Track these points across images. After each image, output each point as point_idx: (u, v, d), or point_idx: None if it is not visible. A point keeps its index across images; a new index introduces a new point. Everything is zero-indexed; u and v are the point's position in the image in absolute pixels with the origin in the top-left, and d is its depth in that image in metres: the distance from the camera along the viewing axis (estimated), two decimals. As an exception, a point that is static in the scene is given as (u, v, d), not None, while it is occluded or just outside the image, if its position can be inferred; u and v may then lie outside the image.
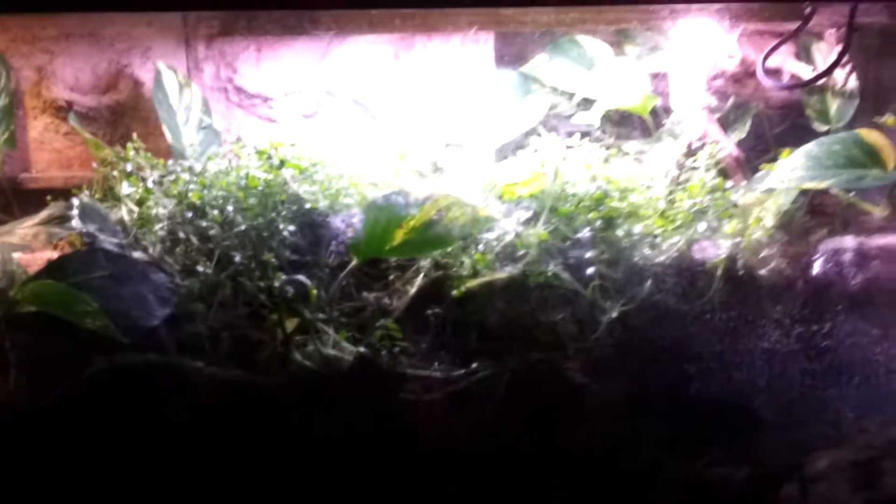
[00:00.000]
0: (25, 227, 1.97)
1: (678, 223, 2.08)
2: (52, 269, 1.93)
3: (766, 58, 2.34)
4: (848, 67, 2.36)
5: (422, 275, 2.02)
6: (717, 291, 2.01)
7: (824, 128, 2.38)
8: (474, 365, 1.95)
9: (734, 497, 1.93)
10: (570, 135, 2.34)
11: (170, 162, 2.17)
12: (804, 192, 2.21)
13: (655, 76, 2.44)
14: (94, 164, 2.23)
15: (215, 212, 2.01)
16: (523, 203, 2.10)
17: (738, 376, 2.00)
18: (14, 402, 1.88)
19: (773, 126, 2.50)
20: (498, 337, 1.99)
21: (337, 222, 2.06)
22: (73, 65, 2.45)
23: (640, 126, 2.47)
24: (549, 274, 1.97)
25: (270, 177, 2.07)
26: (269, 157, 2.11)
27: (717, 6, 2.16)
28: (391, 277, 2.04)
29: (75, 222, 1.96)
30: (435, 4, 2.21)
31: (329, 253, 2.03)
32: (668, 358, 1.99)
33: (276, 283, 1.94)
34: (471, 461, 1.94)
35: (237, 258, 1.97)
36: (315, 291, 1.96)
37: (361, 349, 1.93)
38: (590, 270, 1.98)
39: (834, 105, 2.39)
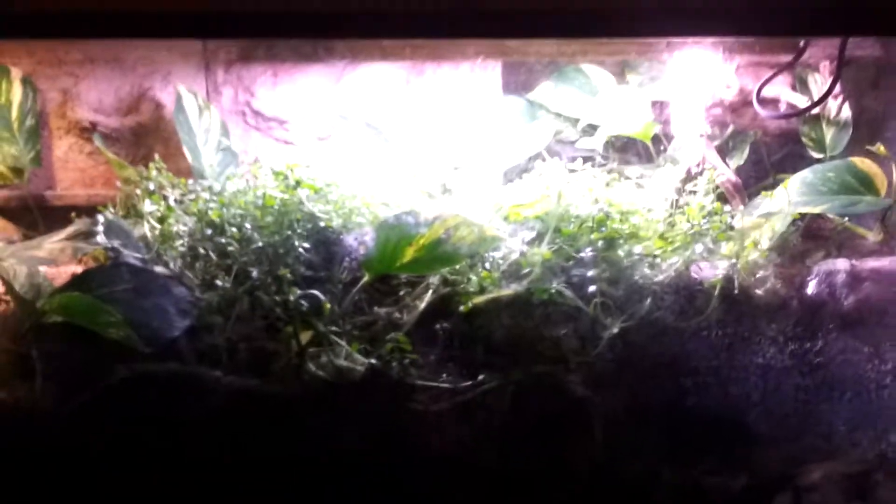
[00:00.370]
0: (53, 242, 2.03)
1: (677, 245, 2.15)
2: (78, 281, 2.00)
3: (760, 88, 2.43)
4: (841, 98, 2.44)
5: (431, 291, 2.08)
6: (714, 310, 2.07)
7: (820, 155, 2.45)
8: (481, 377, 2.01)
9: (730, 506, 1.99)
10: (573, 159, 2.41)
11: (190, 181, 2.24)
12: (800, 217, 2.27)
13: (656, 104, 2.50)
14: (118, 183, 2.30)
15: (233, 229, 2.08)
16: (528, 224, 2.16)
17: (734, 390, 2.06)
18: (40, 408, 1.95)
19: (770, 153, 2.57)
20: (503, 351, 2.04)
21: (350, 240, 2.12)
22: (97, 87, 2.53)
23: (642, 152, 2.53)
24: (553, 291, 2.03)
25: (286, 196, 2.14)
26: (286, 178, 2.18)
27: (712, 39, 2.24)
28: (401, 293, 2.10)
29: (100, 238, 2.01)
30: (442, 36, 2.26)
31: (342, 269, 2.09)
32: (666, 372, 2.05)
33: (292, 298, 2.00)
34: (477, 470, 2.00)
35: (254, 273, 2.04)
36: (328, 305, 2.02)
37: (373, 361, 1.99)
38: (592, 288, 2.04)
39: (829, 134, 2.46)
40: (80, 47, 2.51)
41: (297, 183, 2.16)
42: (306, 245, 2.09)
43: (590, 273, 2.06)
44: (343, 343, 2.02)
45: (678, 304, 2.08)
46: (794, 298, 2.12)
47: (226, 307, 2.03)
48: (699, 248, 2.14)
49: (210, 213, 2.12)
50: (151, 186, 2.20)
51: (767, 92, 2.48)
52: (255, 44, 2.46)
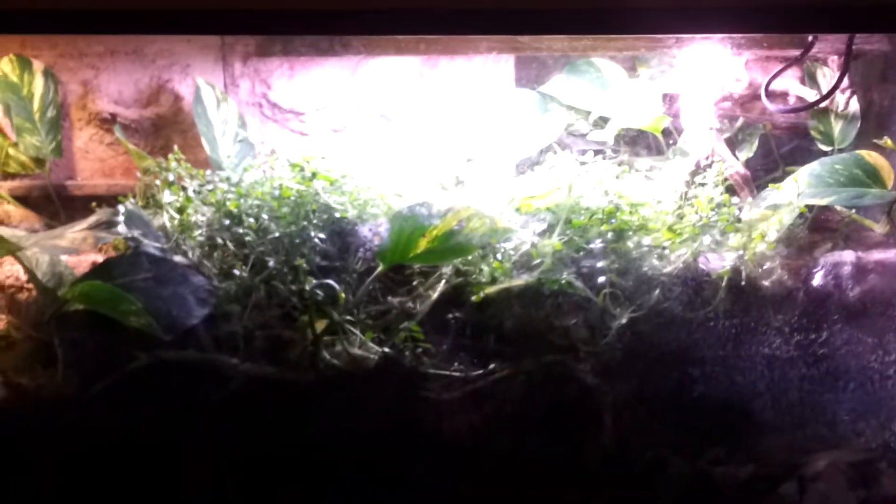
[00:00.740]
0: (75, 232, 2.06)
1: (685, 236, 2.18)
2: (99, 270, 2.05)
3: (769, 82, 2.45)
4: (849, 92, 2.46)
5: (443, 281, 2.12)
6: (722, 300, 2.11)
7: (828, 148, 2.47)
8: (492, 366, 2.06)
9: (736, 493, 2.03)
10: (584, 152, 2.44)
11: (208, 172, 2.28)
12: (808, 209, 2.30)
13: (667, 97, 2.52)
14: (138, 174, 2.34)
15: (251, 219, 2.12)
16: (539, 215, 2.19)
17: (741, 380, 2.10)
18: (62, 393, 2.00)
19: (779, 146, 2.59)
20: (514, 340, 2.09)
21: (364, 231, 2.16)
22: (116, 79, 2.57)
23: (652, 144, 2.56)
24: (563, 282, 2.06)
25: (303, 188, 2.17)
26: (302, 169, 2.22)
27: (721, 35, 2.26)
28: (415, 283, 2.14)
29: (121, 228, 2.04)
30: (454, 32, 2.27)
31: (357, 259, 2.13)
32: (674, 362, 2.09)
33: (307, 287, 2.04)
34: (488, 456, 2.05)
35: (271, 263, 2.08)
36: (343, 295, 2.06)
37: (386, 349, 2.04)
38: (601, 279, 2.08)
39: (837, 127, 2.48)
40: (101, 40, 2.55)
41: (313, 174, 2.20)
42: (322, 235, 2.12)
43: (599, 264, 2.10)
44: (357, 332, 2.07)
45: (686, 295, 2.12)
46: (800, 290, 2.15)
47: (243, 296, 2.07)
48: (707, 239, 2.17)
49: (228, 203, 2.15)
50: (171, 177, 2.24)
51: (776, 86, 2.51)
52: (272, 38, 2.49)
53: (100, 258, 2.19)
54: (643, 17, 1.85)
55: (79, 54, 2.56)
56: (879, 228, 2.36)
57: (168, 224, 2.18)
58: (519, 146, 2.48)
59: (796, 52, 2.45)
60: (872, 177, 2.26)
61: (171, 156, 2.28)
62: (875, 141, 2.36)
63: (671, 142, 2.51)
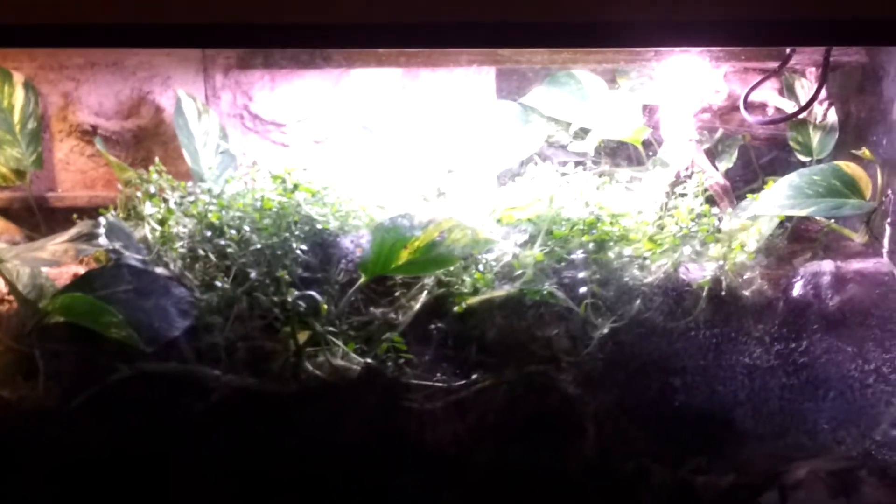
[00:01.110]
0: (56, 244, 2.06)
1: (666, 247, 2.19)
2: (80, 282, 2.05)
3: (748, 94, 2.47)
4: (827, 103, 2.49)
5: (425, 292, 2.12)
6: (702, 310, 2.12)
7: (806, 159, 2.49)
8: (474, 376, 2.07)
9: (717, 502, 2.04)
10: (565, 163, 2.47)
11: (189, 184, 2.28)
12: (787, 219, 2.32)
13: (647, 108, 2.54)
14: (119, 186, 2.34)
15: (232, 231, 2.13)
16: (521, 226, 2.21)
17: (722, 389, 2.11)
18: (44, 405, 1.99)
19: (759, 157, 2.61)
20: (496, 350, 2.09)
21: (346, 242, 2.17)
22: (97, 91, 2.57)
23: (632, 155, 2.58)
24: (545, 292, 2.07)
25: (284, 199, 2.18)
26: (284, 181, 2.23)
27: (700, 48, 2.28)
28: (397, 294, 2.15)
29: (102, 240, 2.05)
30: (436, 45, 2.27)
31: (339, 271, 2.14)
32: (655, 371, 2.10)
33: (289, 298, 2.04)
34: (470, 467, 2.05)
35: (253, 274, 2.08)
36: (325, 306, 2.07)
37: (369, 360, 2.04)
38: (582, 289, 2.09)
39: (815, 138, 2.50)
40: (82, 52, 2.54)
41: (295, 186, 2.21)
42: (304, 247, 2.13)
43: (581, 274, 2.11)
44: (340, 343, 2.07)
45: (667, 305, 2.13)
46: (780, 299, 2.17)
47: (225, 307, 2.08)
48: (688, 249, 2.19)
49: (209, 215, 2.16)
50: (152, 189, 2.24)
51: (755, 97, 2.53)
52: (253, 51, 2.50)
53: (81, 270, 2.19)
54: (624, 31, 1.86)
55: (59, 66, 2.55)
56: (858, 238, 2.38)
57: (149, 236, 2.18)
58: (500, 157, 2.50)
59: (775, 64, 2.48)
60: (851, 187, 2.28)
61: (152, 167, 2.28)
62: (853, 152, 2.38)
63: (651, 153, 2.53)
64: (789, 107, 2.54)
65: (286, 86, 2.59)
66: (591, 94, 2.54)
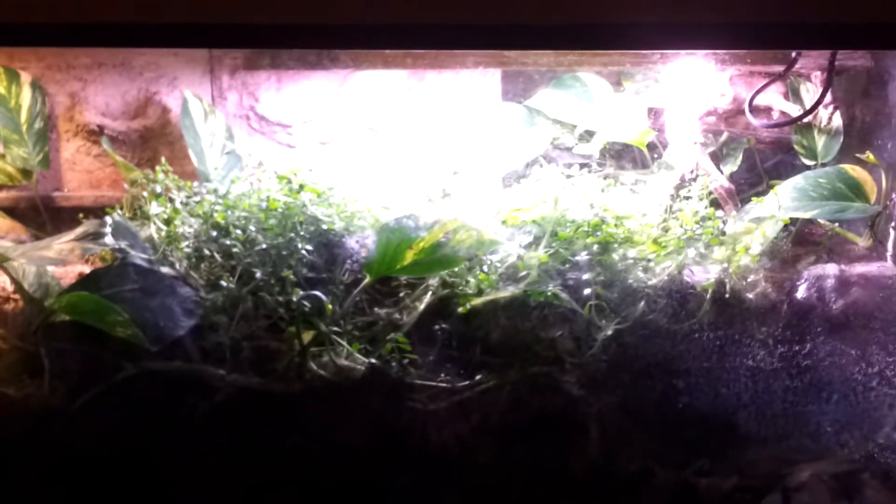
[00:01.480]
0: (62, 243, 2.06)
1: (670, 249, 2.19)
2: (86, 281, 2.05)
3: (753, 97, 2.48)
4: (832, 107, 2.49)
5: (430, 292, 2.13)
6: (706, 312, 2.13)
7: (811, 163, 2.49)
8: (478, 377, 2.07)
9: (720, 504, 2.04)
10: (570, 165, 2.47)
11: (195, 184, 2.29)
12: (792, 222, 2.32)
13: (652, 111, 2.54)
14: (125, 185, 2.35)
15: (238, 231, 2.13)
16: (526, 228, 2.21)
17: (725, 392, 2.11)
18: (49, 404, 2.00)
19: (763, 160, 2.62)
20: (500, 351, 2.10)
21: (351, 242, 2.17)
22: (104, 92, 2.58)
23: (637, 158, 2.58)
24: (549, 294, 2.07)
25: (290, 200, 2.19)
26: (289, 182, 2.23)
27: (705, 51, 2.29)
28: (401, 294, 2.15)
29: (108, 239, 2.04)
30: (442, 47, 2.28)
31: (344, 271, 2.14)
32: (659, 373, 2.10)
33: (294, 298, 2.05)
34: (474, 466, 2.05)
35: (258, 274, 2.08)
36: (330, 306, 2.07)
37: (373, 360, 2.05)
38: (587, 291, 2.09)
39: (820, 142, 2.51)
40: (89, 52, 2.55)
41: (301, 187, 2.21)
42: (309, 247, 2.14)
43: (585, 276, 2.11)
44: (344, 343, 2.07)
45: (671, 307, 2.13)
46: (784, 302, 2.17)
47: (230, 307, 2.08)
48: (692, 252, 2.19)
49: (215, 215, 2.16)
50: (158, 189, 2.25)
51: (760, 101, 2.53)
52: (260, 51, 2.50)
53: (86, 269, 2.19)
54: (629, 33, 1.87)
55: (66, 66, 2.56)
56: (862, 242, 2.38)
57: (155, 235, 2.19)
58: (505, 159, 2.50)
59: (780, 68, 2.48)
60: (855, 191, 2.29)
61: (158, 167, 2.29)
62: (858, 155, 2.39)
63: (656, 156, 2.53)
64: (794, 110, 2.54)
65: (292, 87, 2.60)
66: (596, 96, 2.54)
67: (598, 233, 2.17)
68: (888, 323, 2.14)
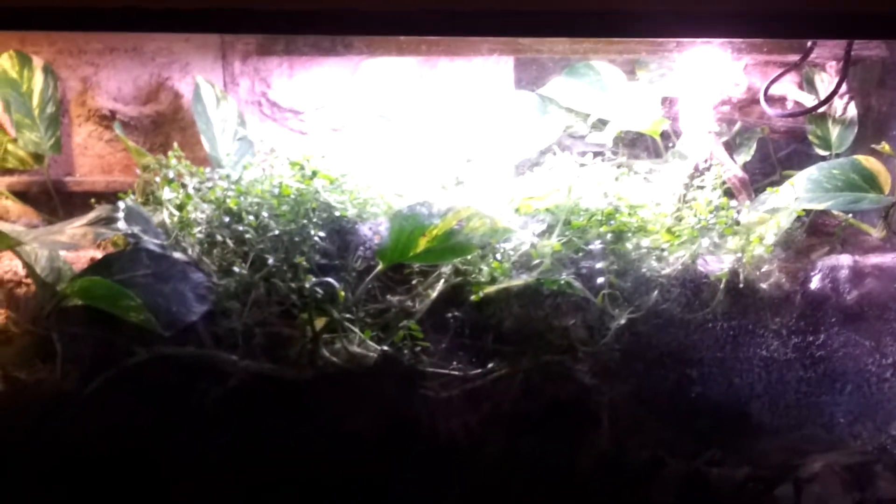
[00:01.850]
0: (75, 227, 2.06)
1: (684, 238, 2.19)
2: (98, 266, 2.05)
3: (768, 87, 2.47)
4: (847, 97, 2.48)
5: (443, 280, 2.12)
6: (720, 302, 2.12)
7: (826, 153, 2.49)
8: (490, 365, 2.07)
9: (732, 495, 2.04)
10: (583, 154, 2.46)
11: (207, 170, 2.29)
12: (805, 213, 2.31)
13: (666, 100, 2.53)
14: (137, 171, 2.35)
15: (251, 217, 2.13)
16: (539, 216, 2.21)
17: (738, 382, 2.11)
18: (61, 388, 2.00)
19: (777, 150, 2.60)
20: (513, 340, 2.10)
21: (364, 229, 2.17)
22: (116, 77, 2.57)
23: (651, 147, 2.57)
24: (562, 282, 2.07)
25: (303, 186, 2.18)
26: (302, 168, 2.23)
27: (720, 39, 2.27)
28: (414, 282, 2.15)
29: (121, 224, 2.04)
30: (456, 33, 2.29)
31: (356, 258, 2.14)
32: (672, 363, 2.10)
33: (307, 285, 2.05)
34: (485, 454, 2.05)
35: (270, 260, 2.08)
36: (343, 293, 2.07)
37: (385, 348, 2.05)
38: (600, 280, 2.09)
39: (834, 132, 2.50)
40: (101, 37, 2.55)
41: (314, 173, 2.21)
42: (321, 234, 2.13)
43: (598, 265, 2.11)
44: (356, 330, 2.07)
45: (684, 297, 2.13)
46: (797, 292, 2.16)
47: (242, 293, 2.08)
48: (706, 242, 2.18)
49: (228, 201, 2.16)
50: (171, 174, 2.24)
51: (775, 90, 2.52)
52: (272, 37, 2.50)
53: (98, 254, 2.19)
54: (644, 21, 1.86)
55: (78, 51, 2.56)
56: (876, 233, 2.37)
57: (168, 221, 2.18)
58: (518, 147, 2.49)
59: (795, 58, 2.47)
60: (869, 182, 2.28)
61: (171, 153, 2.28)
62: (872, 146, 2.38)
63: (670, 145, 2.52)
64: (809, 100, 2.53)
65: (304, 73, 2.59)
66: (609, 85, 2.53)
67: (612, 222, 2.17)
68: (902, 314, 2.14)
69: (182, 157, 2.29)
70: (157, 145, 2.56)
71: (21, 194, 2.49)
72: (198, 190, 2.23)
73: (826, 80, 2.53)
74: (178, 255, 2.11)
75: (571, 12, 1.80)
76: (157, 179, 2.25)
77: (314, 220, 2.15)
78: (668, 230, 2.21)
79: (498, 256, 2.13)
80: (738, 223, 2.24)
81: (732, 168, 2.42)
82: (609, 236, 2.15)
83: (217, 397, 2.00)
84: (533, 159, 2.49)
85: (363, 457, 2.03)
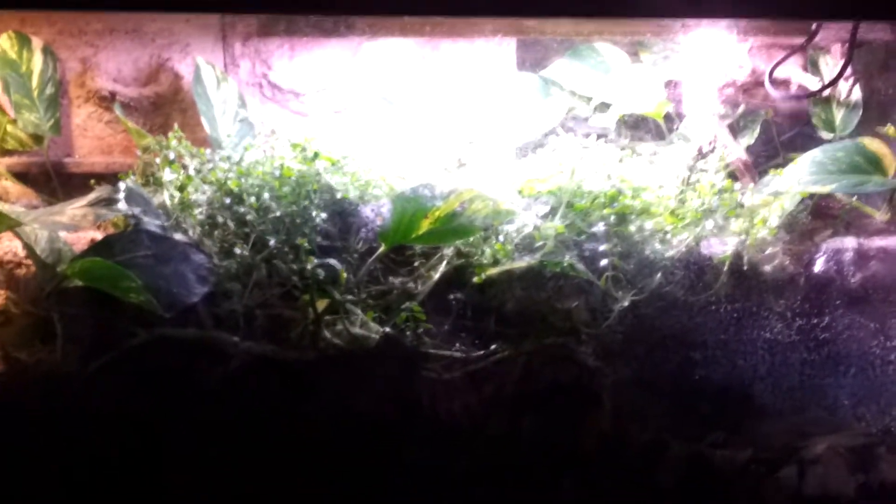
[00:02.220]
0: (75, 208, 2.05)
1: (687, 221, 2.18)
2: (99, 247, 2.03)
3: (773, 70, 2.45)
4: (851, 80, 2.46)
5: (445, 262, 2.12)
6: (723, 285, 2.11)
7: (829, 136, 2.48)
8: (493, 347, 2.06)
9: (735, 477, 2.03)
10: (586, 136, 2.45)
11: (208, 151, 2.27)
12: (809, 196, 2.30)
13: (669, 83, 2.52)
14: (137, 152, 2.34)
15: (252, 198, 2.11)
16: (542, 198, 2.20)
17: (741, 364, 2.10)
18: (61, 369, 1.99)
19: (781, 133, 2.59)
20: (515, 322, 2.09)
21: (366, 211, 2.16)
22: (116, 58, 2.55)
23: (654, 129, 2.56)
24: (565, 264, 2.05)
25: (304, 168, 2.17)
26: (304, 150, 2.22)
27: (725, 21, 2.26)
28: (416, 264, 2.14)
29: (122, 205, 2.02)
30: (461, 14, 2.27)
31: (358, 239, 2.14)
32: (675, 345, 2.09)
33: (309, 266, 2.04)
34: (487, 436, 2.05)
35: (272, 242, 2.07)
36: (344, 275, 2.06)
37: (387, 329, 2.04)
38: (603, 262, 2.08)
39: (839, 115, 2.49)
40: (101, 17, 2.53)
41: (315, 155, 2.19)
42: (323, 215, 2.12)
43: (601, 247, 2.10)
44: (358, 311, 2.06)
45: (688, 279, 2.12)
46: (801, 275, 2.16)
47: (244, 275, 2.07)
48: (709, 224, 2.17)
49: (229, 182, 2.15)
50: (171, 155, 2.23)
51: (779, 73, 2.51)
52: (274, 18, 2.48)
53: (98, 235, 2.18)
54: (648, 1, 1.86)
55: (78, 32, 2.54)
56: (880, 215, 2.36)
57: (168, 202, 2.17)
58: (521, 130, 2.48)
59: (800, 40, 2.45)
60: (874, 164, 2.27)
61: (171, 134, 2.27)
62: (878, 129, 2.37)
63: (674, 127, 2.51)
64: (813, 83, 2.52)
65: (305, 55, 2.57)
66: (613, 67, 2.52)
67: (615, 204, 2.16)
68: (907, 297, 2.13)
69: (182, 139, 2.27)
70: (157, 126, 2.54)
71: (20, 175, 2.47)
72: (198, 171, 2.21)
73: (831, 63, 2.52)
74: (178, 236, 2.10)
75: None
76: (158, 161, 2.24)
77: (316, 201, 2.14)
78: (672, 213, 2.20)
79: (500, 238, 2.12)
80: (741, 206, 2.23)
81: (736, 151, 2.41)
82: (612, 219, 2.15)
83: (218, 379, 1.99)
84: (536, 141, 2.48)
85: (365, 439, 2.03)
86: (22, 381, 1.99)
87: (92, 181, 2.24)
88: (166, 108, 2.56)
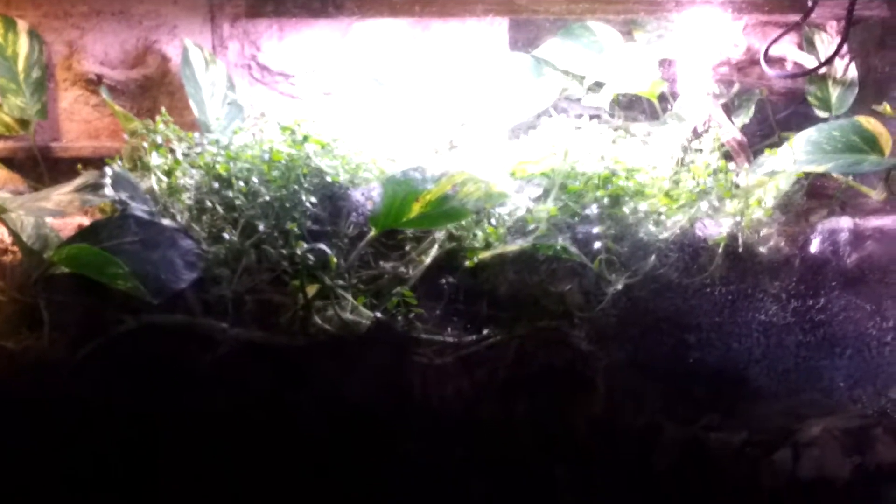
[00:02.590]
0: (61, 194, 2.02)
1: (682, 202, 2.16)
2: (86, 233, 2.01)
3: (768, 48, 2.43)
4: (847, 58, 2.44)
5: (436, 246, 2.09)
6: (718, 267, 2.09)
7: (825, 114, 2.45)
8: (485, 331, 2.04)
9: (730, 459, 2.02)
10: (580, 116, 2.42)
11: (196, 135, 2.24)
12: (805, 175, 2.28)
13: (663, 62, 2.50)
14: (125, 136, 2.31)
15: (241, 183, 2.08)
16: (534, 180, 2.17)
17: (736, 346, 2.08)
18: (48, 356, 1.97)
19: (776, 112, 2.58)
20: (508, 306, 2.06)
21: (357, 195, 2.13)
22: (103, 40, 2.53)
23: (648, 109, 2.54)
24: (558, 247, 2.03)
25: (294, 151, 2.14)
26: (293, 133, 2.19)
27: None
28: (407, 248, 2.12)
29: (108, 190, 1.99)
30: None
31: (349, 224, 2.11)
32: (669, 328, 2.07)
33: (298, 251, 2.01)
34: (480, 420, 2.03)
35: (261, 227, 2.04)
36: (335, 259, 2.03)
37: (378, 314, 2.01)
38: (597, 245, 2.05)
39: (834, 93, 2.47)
40: (86, 0, 2.50)
41: (305, 138, 2.17)
42: (313, 199, 2.10)
43: (595, 230, 2.07)
44: (349, 297, 2.04)
45: (682, 261, 2.10)
46: (797, 256, 2.14)
47: (233, 260, 2.05)
48: (704, 205, 2.15)
49: (217, 166, 2.12)
50: (158, 139, 2.20)
51: (774, 51, 2.49)
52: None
53: (86, 221, 2.15)
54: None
55: (64, 14, 2.51)
56: (876, 195, 2.34)
57: (156, 187, 2.15)
58: (513, 111, 2.47)
59: (795, 18, 2.43)
60: (870, 143, 2.25)
61: (158, 117, 2.24)
62: (873, 107, 2.35)
63: (668, 107, 2.48)
64: (808, 61, 2.49)
65: (295, 36, 2.55)
66: (606, 46, 2.50)
67: (609, 186, 2.13)
68: (903, 277, 2.11)
69: (170, 122, 2.25)
70: (145, 110, 2.52)
71: (6, 160, 2.46)
72: (186, 155, 2.19)
73: (826, 41, 2.50)
74: (166, 221, 2.07)
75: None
76: (145, 145, 2.21)
77: (305, 185, 2.11)
78: (666, 194, 2.18)
79: (493, 221, 2.10)
80: (736, 186, 2.21)
81: (731, 130, 2.39)
82: (606, 200, 2.12)
83: (207, 365, 1.97)
84: (528, 122, 2.46)
85: (356, 425, 2.01)
86: (9, 369, 1.97)
87: (79, 166, 2.21)
88: (154, 91, 2.54)
